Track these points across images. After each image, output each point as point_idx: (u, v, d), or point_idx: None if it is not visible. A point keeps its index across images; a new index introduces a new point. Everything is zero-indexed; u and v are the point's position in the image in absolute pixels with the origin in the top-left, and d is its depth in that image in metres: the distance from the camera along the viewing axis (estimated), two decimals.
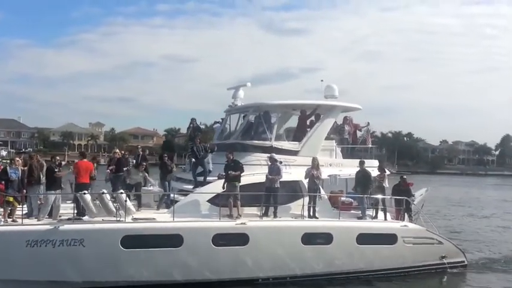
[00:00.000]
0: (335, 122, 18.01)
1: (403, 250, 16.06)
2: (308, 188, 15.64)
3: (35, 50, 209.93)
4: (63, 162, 14.53)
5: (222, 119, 19.03)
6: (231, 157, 15.09)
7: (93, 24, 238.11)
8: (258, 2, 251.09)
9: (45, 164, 14.73)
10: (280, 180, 15.17)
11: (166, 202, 15.67)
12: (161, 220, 14.00)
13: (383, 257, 15.85)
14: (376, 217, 16.52)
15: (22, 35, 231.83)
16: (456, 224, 29.51)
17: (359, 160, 16.89)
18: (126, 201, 13.68)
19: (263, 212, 15.15)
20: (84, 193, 13.45)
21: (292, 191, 15.83)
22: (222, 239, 13.95)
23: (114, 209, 13.63)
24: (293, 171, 16.03)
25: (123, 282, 13.40)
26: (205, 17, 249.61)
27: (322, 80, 18.45)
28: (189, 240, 13.54)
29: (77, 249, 12.71)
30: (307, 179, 15.66)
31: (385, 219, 16.59)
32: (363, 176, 16.41)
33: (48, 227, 12.84)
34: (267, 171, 15.32)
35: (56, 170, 13.96)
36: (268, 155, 15.66)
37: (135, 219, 13.81)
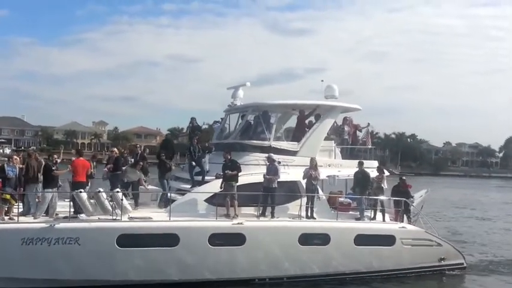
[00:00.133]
0: (335, 122, 17.94)
1: (401, 251, 15.95)
2: (306, 188, 15.58)
3: (40, 49, 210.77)
4: (58, 160, 14.47)
5: (221, 118, 18.98)
6: (229, 157, 15.05)
7: (98, 22, 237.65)
8: (263, 2, 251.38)
9: (43, 162, 14.70)
10: (279, 180, 15.13)
11: (165, 200, 15.63)
12: (157, 219, 13.96)
13: (381, 258, 15.76)
14: (374, 218, 16.42)
15: (27, 33, 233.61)
16: (458, 225, 29.34)
17: (358, 161, 16.80)
18: (122, 200, 13.65)
19: (260, 212, 15.10)
20: (81, 191, 13.44)
21: (291, 191, 15.76)
22: (219, 239, 13.90)
23: (110, 208, 13.62)
24: (291, 172, 15.95)
25: (119, 281, 13.35)
26: (209, 17, 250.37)
27: (322, 80, 18.42)
28: (185, 239, 13.50)
29: (72, 247, 12.69)
30: (305, 180, 15.59)
31: (384, 220, 16.50)
32: (362, 177, 16.34)
33: (43, 225, 12.83)
34: (265, 171, 15.27)
35: (54, 168, 13.95)
36: (267, 155, 15.60)
37: (131, 218, 13.79)
